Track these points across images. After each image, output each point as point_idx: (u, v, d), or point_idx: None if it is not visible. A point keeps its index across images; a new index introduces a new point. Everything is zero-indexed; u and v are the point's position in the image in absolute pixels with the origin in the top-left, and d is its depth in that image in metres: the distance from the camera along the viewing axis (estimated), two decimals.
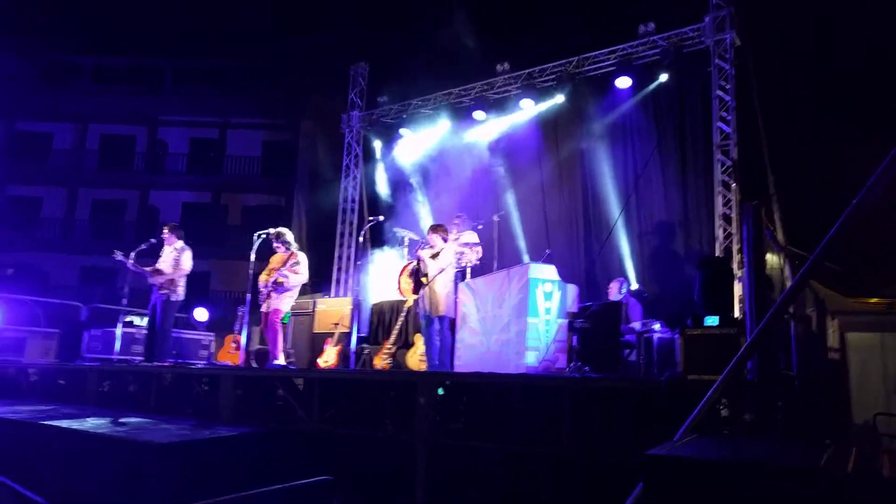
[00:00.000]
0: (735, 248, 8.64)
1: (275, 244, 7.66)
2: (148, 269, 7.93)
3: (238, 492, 4.38)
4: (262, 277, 7.57)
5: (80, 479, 4.65)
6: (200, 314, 12.83)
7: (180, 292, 7.91)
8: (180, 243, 8.08)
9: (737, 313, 7.28)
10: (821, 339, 5.03)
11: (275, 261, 7.64)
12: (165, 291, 7.77)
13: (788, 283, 5.19)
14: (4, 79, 20.60)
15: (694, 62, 9.85)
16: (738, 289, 7.60)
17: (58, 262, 20.50)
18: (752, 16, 9.42)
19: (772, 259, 6.19)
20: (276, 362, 7.35)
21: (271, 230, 7.78)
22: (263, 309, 7.51)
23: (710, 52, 9.54)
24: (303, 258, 7.60)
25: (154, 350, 7.70)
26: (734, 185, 9.01)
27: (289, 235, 7.71)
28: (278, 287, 7.42)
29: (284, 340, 7.86)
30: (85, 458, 4.63)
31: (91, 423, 5.23)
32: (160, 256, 8.09)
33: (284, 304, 7.54)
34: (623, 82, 10.35)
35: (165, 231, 8.15)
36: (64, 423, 5.14)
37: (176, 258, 7.91)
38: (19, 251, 19.46)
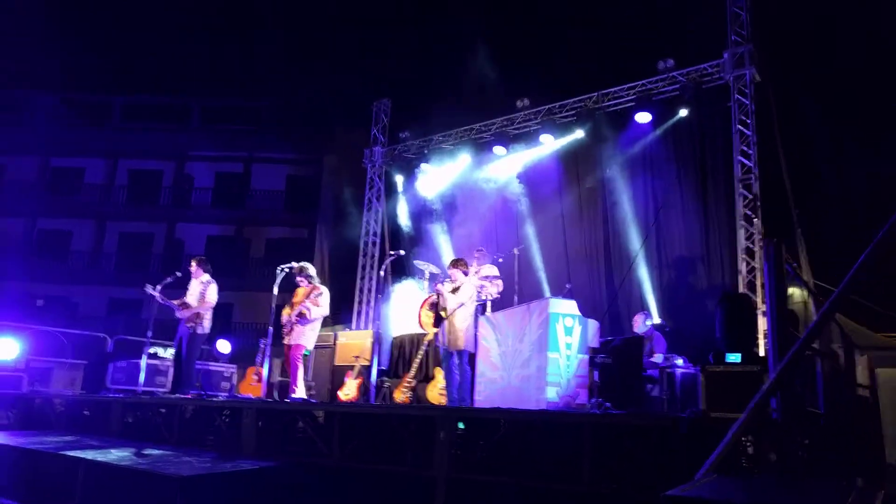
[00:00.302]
0: (759, 282, 8.57)
1: (297, 278, 7.77)
2: (175, 301, 8.05)
3: None
4: (285, 312, 7.66)
5: None
6: (223, 346, 12.92)
7: (206, 325, 7.99)
8: (206, 276, 8.18)
9: (762, 350, 7.18)
10: (849, 375, 4.93)
11: (298, 295, 7.73)
12: (191, 324, 7.86)
13: (813, 319, 5.12)
14: (41, 117, 21.36)
15: (714, 97, 9.91)
16: (762, 324, 7.51)
17: (86, 293, 20.91)
18: (771, 52, 9.48)
19: (796, 293, 6.12)
20: (295, 396, 7.38)
21: (294, 264, 7.89)
22: (286, 342, 7.57)
23: (730, 88, 9.59)
24: (324, 291, 7.68)
25: (179, 381, 7.78)
26: (756, 219, 8.96)
27: (311, 270, 7.82)
28: (301, 319, 7.49)
29: (305, 373, 7.88)
30: (109, 489, 4.67)
31: (115, 455, 5.28)
32: (187, 289, 8.20)
33: (306, 338, 7.59)
34: (643, 117, 10.42)
35: (193, 264, 8.28)
36: (89, 455, 5.21)
37: (202, 291, 8.01)
38: (50, 283, 19.90)
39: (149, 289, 8.14)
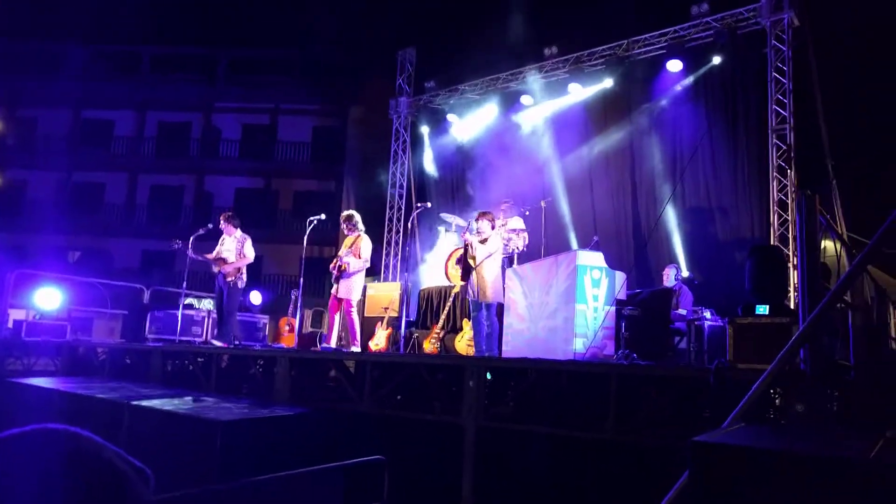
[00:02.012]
0: (791, 235, 8.46)
1: (345, 227, 7.78)
2: (210, 256, 8.16)
3: (294, 468, 4.58)
4: (333, 262, 7.70)
5: (149, 453, 4.93)
6: (255, 297, 13.21)
7: (244, 279, 8.17)
8: (239, 232, 8.26)
9: (792, 304, 7.14)
10: (882, 328, 4.91)
11: (345, 245, 7.75)
12: (232, 279, 8.02)
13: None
14: (72, 69, 21.46)
15: (749, 44, 9.61)
16: (793, 277, 7.45)
17: (121, 246, 21.36)
18: None
19: (829, 247, 6.04)
20: (354, 349, 7.51)
21: (324, 216, 7.94)
22: (334, 293, 7.66)
23: (767, 33, 9.28)
24: (365, 242, 7.65)
25: (223, 332, 7.99)
26: (790, 170, 8.79)
27: (356, 217, 7.77)
28: (343, 272, 7.55)
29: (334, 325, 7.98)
30: (153, 432, 4.90)
31: (158, 400, 5.52)
32: (221, 244, 8.29)
33: (354, 292, 7.60)
34: (674, 66, 10.17)
35: (222, 221, 8.35)
36: (133, 399, 5.44)
37: (239, 248, 8.13)
38: (86, 235, 20.34)
39: (178, 244, 8.28)
